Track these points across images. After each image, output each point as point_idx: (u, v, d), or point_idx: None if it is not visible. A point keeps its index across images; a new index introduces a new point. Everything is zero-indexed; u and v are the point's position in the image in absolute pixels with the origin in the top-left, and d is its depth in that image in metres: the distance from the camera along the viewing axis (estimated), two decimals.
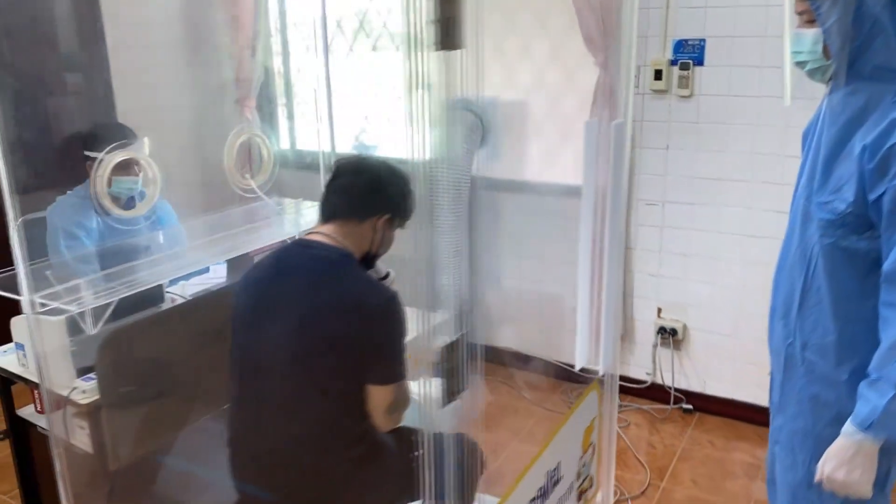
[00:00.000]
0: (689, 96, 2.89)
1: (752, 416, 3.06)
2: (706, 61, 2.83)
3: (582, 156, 3.31)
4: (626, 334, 3.29)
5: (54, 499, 2.16)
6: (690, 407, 3.19)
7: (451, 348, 1.13)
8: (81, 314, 1.68)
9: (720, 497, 2.63)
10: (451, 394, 1.15)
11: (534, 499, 1.58)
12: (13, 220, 1.53)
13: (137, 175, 2.58)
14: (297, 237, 1.63)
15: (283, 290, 1.54)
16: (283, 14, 3.95)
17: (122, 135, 2.59)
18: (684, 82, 2.87)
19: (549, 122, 3.33)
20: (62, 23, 3.80)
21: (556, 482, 1.70)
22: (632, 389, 3.31)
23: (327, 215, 1.62)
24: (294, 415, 1.52)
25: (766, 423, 3.01)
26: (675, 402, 3.21)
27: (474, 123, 3.42)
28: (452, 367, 1.13)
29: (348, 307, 1.49)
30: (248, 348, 1.56)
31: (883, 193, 1.28)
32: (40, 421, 2.19)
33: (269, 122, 4.08)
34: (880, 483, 1.43)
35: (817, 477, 1.45)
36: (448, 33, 1.02)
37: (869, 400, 1.34)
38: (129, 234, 2.66)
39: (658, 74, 2.90)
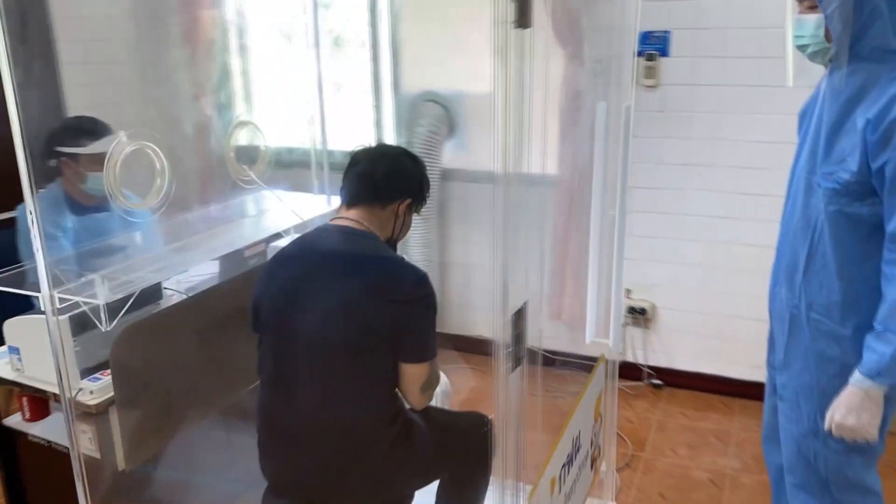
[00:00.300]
0: (655, 86, 3.03)
1: (719, 387, 3.24)
2: (671, 52, 2.97)
3: (544, 146, 3.42)
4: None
5: None
6: (660, 382, 3.35)
7: (518, 315, 1.18)
8: (95, 311, 1.63)
9: (698, 463, 2.78)
10: (516, 359, 1.20)
11: (564, 464, 1.65)
12: (32, 213, 1.48)
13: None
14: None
15: (320, 273, 1.55)
16: (241, 10, 3.88)
17: (99, 128, 2.51)
18: (650, 72, 3.00)
19: (517, 113, 3.40)
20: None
21: (578, 450, 1.78)
22: None
23: (351, 201, 1.64)
24: (335, 394, 1.53)
25: (731, 394, 3.23)
26: (645, 379, 3.36)
27: (441, 115, 3.48)
28: (520, 332, 1.18)
29: (388, 287, 1.52)
30: (285, 331, 1.56)
31: (886, 162, 1.41)
32: (32, 430, 2.10)
33: (228, 119, 4.00)
34: (881, 426, 1.57)
35: (826, 425, 1.57)
36: (523, 12, 1.07)
37: (875, 350, 1.47)
38: (105, 235, 2.58)
39: None
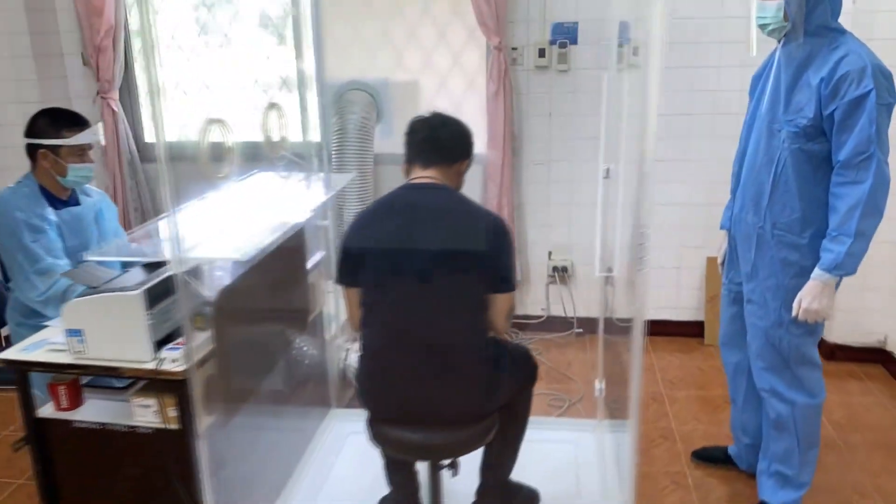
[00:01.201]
0: (567, 70, 3.49)
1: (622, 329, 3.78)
2: (579, 40, 3.45)
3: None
4: (522, 278, 3.81)
5: None
6: (581, 330, 3.83)
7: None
8: (199, 278, 1.70)
9: (610, 396, 3.28)
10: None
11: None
12: (164, 163, 1.48)
13: (93, 161, 2.47)
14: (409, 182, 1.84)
15: (424, 222, 1.77)
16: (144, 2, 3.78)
17: (78, 119, 2.45)
18: (563, 59, 3.46)
19: (440, 99, 3.71)
20: None
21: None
22: (531, 325, 3.86)
23: (426, 162, 1.87)
24: (448, 326, 1.76)
25: (648, 333, 3.77)
26: (569, 329, 3.83)
27: (369, 102, 3.69)
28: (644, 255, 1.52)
29: (480, 229, 1.78)
30: (399, 275, 1.76)
31: (835, 109, 1.93)
32: (76, 416, 2.06)
33: (133, 115, 3.88)
34: None
35: (794, 312, 2.08)
36: None
37: (832, 250, 1.99)
38: (80, 226, 2.50)
39: (542, 53, 3.46)
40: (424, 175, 1.86)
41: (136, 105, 3.93)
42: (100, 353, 1.90)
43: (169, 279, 1.96)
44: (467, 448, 1.87)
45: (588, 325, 3.84)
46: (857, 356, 3.43)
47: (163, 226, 2.04)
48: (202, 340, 1.96)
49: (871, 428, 2.92)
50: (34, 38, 3.61)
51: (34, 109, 3.64)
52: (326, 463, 2.51)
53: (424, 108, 3.78)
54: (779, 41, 2.07)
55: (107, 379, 2.26)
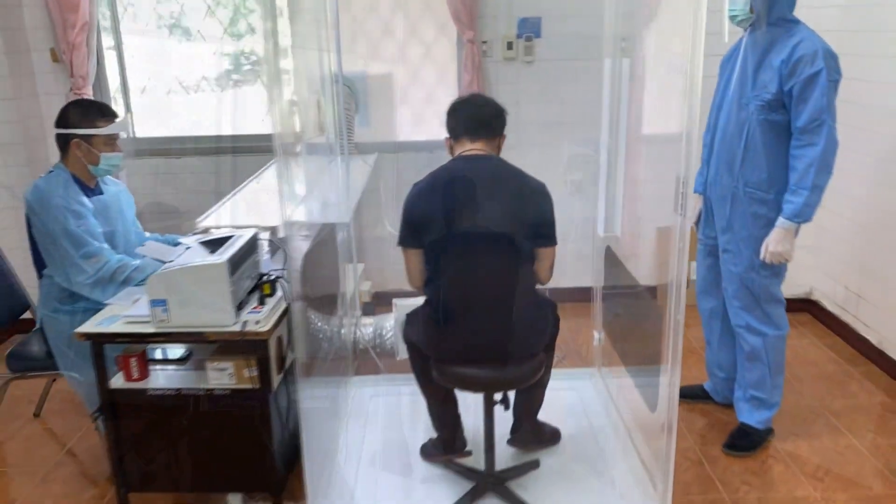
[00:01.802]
0: (532, 62, 3.84)
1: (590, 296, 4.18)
2: (543, 34, 3.80)
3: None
4: None
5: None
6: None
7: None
8: (259, 252, 1.88)
9: (626, 344, 3.66)
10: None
11: None
12: (280, 154, 1.68)
13: (121, 151, 2.59)
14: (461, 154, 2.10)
15: (477, 187, 2.03)
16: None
17: (108, 110, 2.56)
18: (528, 51, 3.80)
19: (414, 90, 3.97)
20: None
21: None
22: None
23: (474, 136, 2.14)
24: (508, 277, 2.04)
25: (590, 299, 4.18)
26: None
27: (347, 93, 3.90)
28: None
29: (530, 191, 2.08)
30: (465, 235, 2.02)
31: (793, 85, 2.35)
32: (148, 385, 2.19)
33: None
34: None
35: (762, 255, 2.49)
36: None
37: (792, 202, 2.42)
38: (109, 214, 2.61)
39: (510, 45, 3.79)
40: (474, 147, 2.14)
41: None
42: (183, 320, 2.05)
43: (240, 251, 2.14)
44: (526, 380, 2.16)
45: (558, 294, 4.19)
46: (789, 306, 3.92)
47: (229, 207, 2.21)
48: (272, 306, 2.17)
49: (811, 363, 3.43)
50: (3, 34, 3.59)
51: (6, 107, 3.67)
52: (360, 421, 2.74)
53: (399, 100, 4.07)
54: (745, 30, 2.48)
55: (162, 352, 2.40)
